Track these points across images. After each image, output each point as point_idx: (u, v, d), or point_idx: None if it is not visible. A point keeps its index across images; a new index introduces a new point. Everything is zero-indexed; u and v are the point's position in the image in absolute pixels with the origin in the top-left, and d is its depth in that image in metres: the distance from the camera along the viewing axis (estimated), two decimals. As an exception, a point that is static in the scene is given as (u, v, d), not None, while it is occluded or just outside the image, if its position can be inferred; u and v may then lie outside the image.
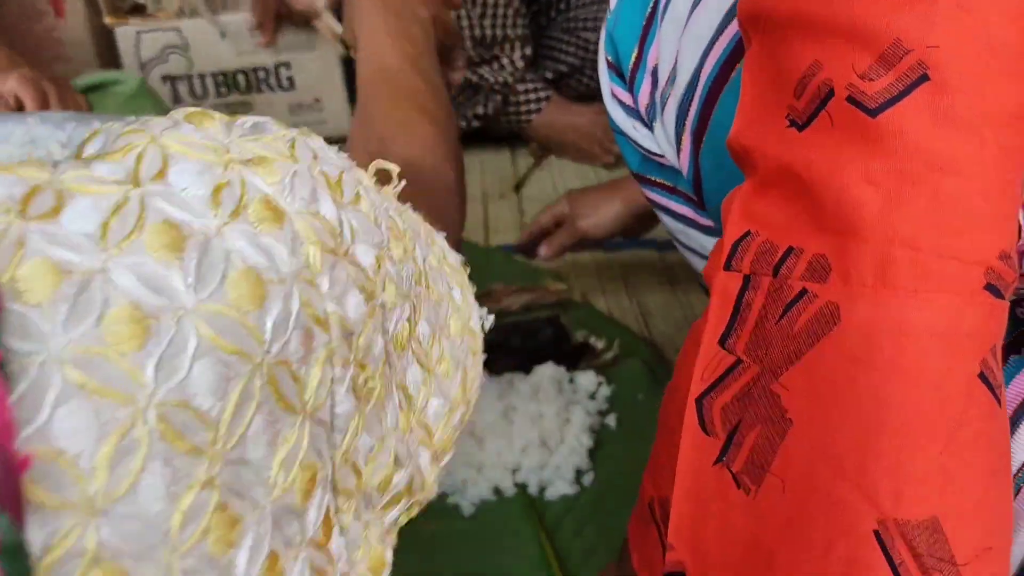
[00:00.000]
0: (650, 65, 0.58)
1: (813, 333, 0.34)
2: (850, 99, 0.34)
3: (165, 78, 1.45)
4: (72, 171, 0.19)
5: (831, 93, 0.34)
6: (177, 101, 1.46)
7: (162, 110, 1.14)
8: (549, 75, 1.50)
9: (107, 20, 1.45)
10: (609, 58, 0.62)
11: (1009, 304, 0.35)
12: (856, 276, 0.33)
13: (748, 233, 0.37)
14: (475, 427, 0.79)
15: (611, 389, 0.87)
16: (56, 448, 0.16)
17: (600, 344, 0.91)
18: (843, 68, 0.34)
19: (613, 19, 0.61)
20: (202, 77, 1.47)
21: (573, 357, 0.90)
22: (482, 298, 0.86)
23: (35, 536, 0.15)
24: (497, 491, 0.77)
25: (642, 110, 0.60)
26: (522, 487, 0.77)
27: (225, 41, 1.46)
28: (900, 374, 0.33)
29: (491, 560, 0.70)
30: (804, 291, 0.35)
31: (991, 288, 0.33)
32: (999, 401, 0.34)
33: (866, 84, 0.33)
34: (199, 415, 0.18)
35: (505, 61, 1.43)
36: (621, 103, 0.62)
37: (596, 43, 1.47)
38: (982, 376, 0.33)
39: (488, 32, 1.41)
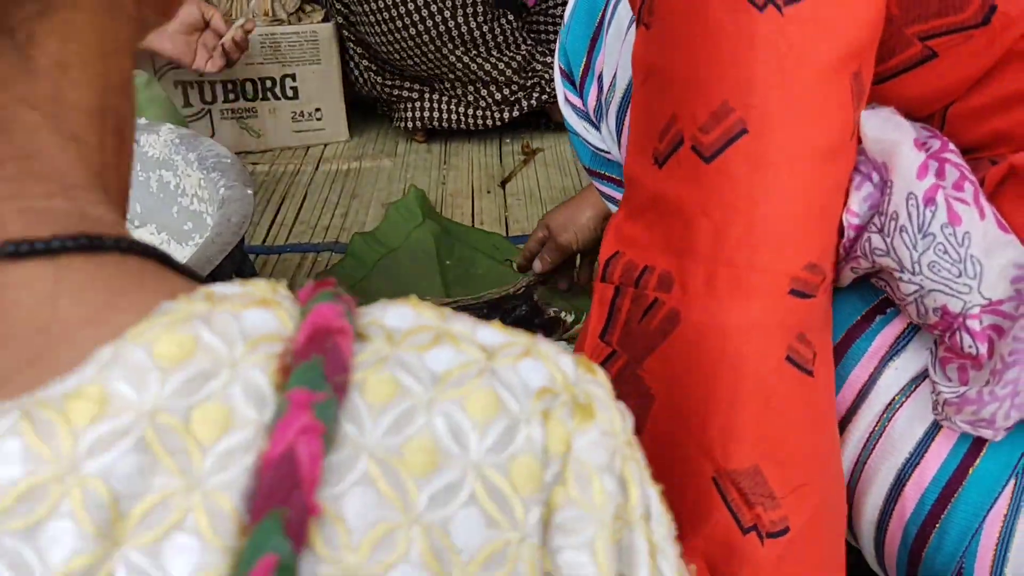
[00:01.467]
0: (597, 72, 0.66)
1: (663, 331, 0.44)
2: (693, 148, 0.42)
3: (177, 83, 1.50)
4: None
5: (682, 141, 0.43)
6: (187, 104, 1.52)
7: (168, 109, 1.19)
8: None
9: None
10: (562, 66, 0.70)
11: (820, 299, 0.43)
12: (692, 288, 0.43)
13: (617, 253, 0.46)
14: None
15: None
16: (340, 515, 0.19)
17: (570, 318, 0.99)
18: (690, 122, 0.42)
19: (565, 31, 0.69)
20: (212, 84, 1.52)
21: (545, 330, 0.98)
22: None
23: (303, 569, 0.19)
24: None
25: (591, 112, 0.68)
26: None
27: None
28: (725, 360, 0.42)
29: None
30: (656, 299, 0.44)
31: (795, 292, 0.42)
32: (811, 374, 0.43)
33: (703, 136, 0.42)
34: (454, 552, 0.20)
35: None
36: (573, 106, 0.70)
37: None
38: (789, 358, 0.42)
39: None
